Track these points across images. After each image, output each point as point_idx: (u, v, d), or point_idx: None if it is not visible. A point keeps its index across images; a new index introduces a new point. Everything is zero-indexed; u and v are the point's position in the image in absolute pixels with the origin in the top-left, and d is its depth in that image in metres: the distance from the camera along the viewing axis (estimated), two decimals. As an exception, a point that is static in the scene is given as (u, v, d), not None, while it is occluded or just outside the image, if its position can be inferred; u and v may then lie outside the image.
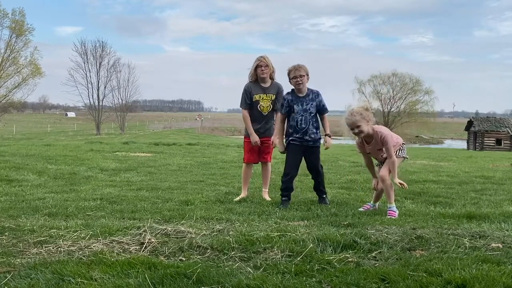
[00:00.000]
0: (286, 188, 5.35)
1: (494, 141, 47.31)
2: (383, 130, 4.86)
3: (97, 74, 58.40)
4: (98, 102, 58.76)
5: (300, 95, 5.34)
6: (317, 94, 5.40)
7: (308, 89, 5.38)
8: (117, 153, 13.47)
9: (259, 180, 7.75)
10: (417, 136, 69.80)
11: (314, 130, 5.41)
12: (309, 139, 5.38)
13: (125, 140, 24.39)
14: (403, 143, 5.07)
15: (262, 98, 5.67)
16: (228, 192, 6.32)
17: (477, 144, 47.63)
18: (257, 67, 5.59)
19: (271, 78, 5.71)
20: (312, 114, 5.37)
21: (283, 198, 5.35)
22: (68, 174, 8.25)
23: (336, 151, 17.41)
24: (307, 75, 5.31)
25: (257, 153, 5.85)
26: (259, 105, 5.69)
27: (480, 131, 47.75)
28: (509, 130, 47.24)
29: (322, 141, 5.54)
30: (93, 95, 58.55)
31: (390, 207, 4.83)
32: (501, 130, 47.41)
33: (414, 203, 5.61)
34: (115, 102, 60.66)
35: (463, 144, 55.34)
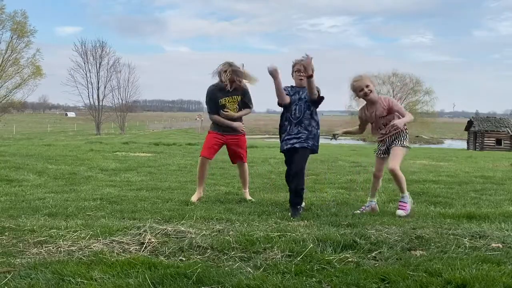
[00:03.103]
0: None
1: (494, 141, 47.28)
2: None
3: (97, 74, 58.46)
4: (98, 102, 58.81)
5: (298, 88, 5.07)
6: None
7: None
8: (117, 153, 13.48)
9: (258, 180, 7.76)
10: (417, 136, 69.72)
11: (308, 122, 4.97)
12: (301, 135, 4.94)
13: (125, 140, 24.40)
14: (406, 128, 4.83)
15: (228, 101, 5.57)
16: (228, 192, 6.32)
17: (477, 144, 47.61)
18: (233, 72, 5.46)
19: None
20: (308, 104, 4.97)
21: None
22: (68, 174, 8.25)
23: (336, 151, 17.42)
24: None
25: (216, 151, 5.72)
26: (225, 109, 5.56)
27: (480, 131, 47.73)
28: (509, 130, 47.22)
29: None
30: (93, 95, 58.63)
31: (402, 197, 4.79)
32: (501, 130, 47.38)
33: (414, 203, 5.61)
34: (115, 102, 60.74)
35: (463, 144, 55.31)
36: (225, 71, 5.44)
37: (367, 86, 4.68)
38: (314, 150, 5.02)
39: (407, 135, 4.80)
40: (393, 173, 4.70)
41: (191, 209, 4.89)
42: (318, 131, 5.10)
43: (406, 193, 4.82)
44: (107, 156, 12.16)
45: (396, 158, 4.70)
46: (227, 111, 5.55)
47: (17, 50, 44.55)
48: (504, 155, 21.25)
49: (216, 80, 5.60)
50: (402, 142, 4.75)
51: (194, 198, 5.59)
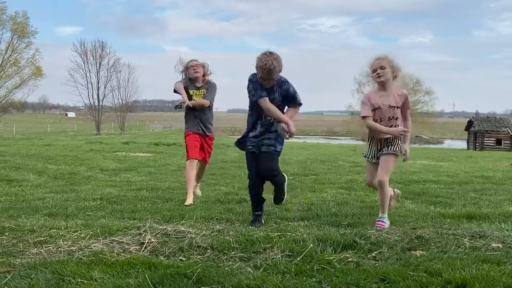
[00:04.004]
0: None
1: (494, 141, 47.28)
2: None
3: (97, 74, 58.36)
4: (98, 102, 58.76)
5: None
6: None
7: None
8: (117, 153, 13.48)
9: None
10: (417, 136, 69.72)
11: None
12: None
13: (125, 140, 24.38)
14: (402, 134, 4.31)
15: (195, 94, 5.85)
16: (228, 192, 6.31)
17: (477, 144, 47.61)
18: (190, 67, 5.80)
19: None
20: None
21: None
22: (68, 174, 8.25)
23: (336, 151, 17.42)
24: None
25: (199, 150, 5.81)
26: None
27: (480, 131, 47.73)
28: (509, 130, 47.21)
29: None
30: (93, 95, 58.53)
31: (381, 217, 4.21)
32: (501, 130, 47.38)
33: (414, 203, 5.61)
34: (115, 102, 60.69)
35: (463, 144, 55.30)
36: (192, 67, 5.77)
37: (381, 68, 4.15)
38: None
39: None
40: (381, 185, 4.18)
41: (191, 209, 4.90)
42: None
43: (386, 215, 4.24)
44: (107, 156, 12.16)
45: (387, 168, 4.19)
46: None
47: (17, 50, 44.55)
48: (504, 155, 21.26)
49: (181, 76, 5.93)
50: (396, 148, 4.21)
51: (187, 202, 5.37)
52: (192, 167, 5.66)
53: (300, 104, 4.48)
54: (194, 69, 5.76)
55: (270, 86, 4.26)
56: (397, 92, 4.24)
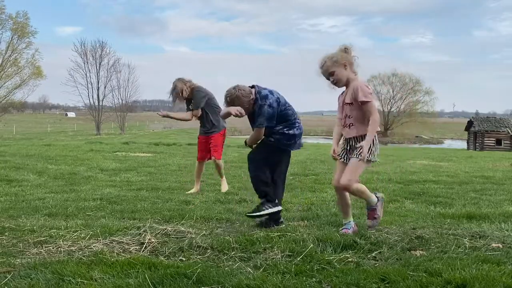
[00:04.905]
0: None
1: (494, 141, 47.27)
2: (362, 82, 3.78)
3: (97, 74, 58.33)
4: (98, 102, 58.75)
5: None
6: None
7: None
8: (117, 153, 13.48)
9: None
10: (417, 136, 69.82)
11: None
12: None
13: (125, 140, 24.39)
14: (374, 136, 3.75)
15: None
16: (228, 192, 6.32)
17: (477, 144, 47.60)
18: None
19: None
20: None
21: None
22: (68, 174, 8.25)
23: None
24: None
25: (204, 152, 6.53)
26: None
27: (480, 131, 47.73)
28: (509, 130, 47.21)
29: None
30: (93, 95, 58.50)
31: (345, 225, 3.89)
32: (501, 130, 47.39)
33: (414, 203, 5.61)
34: (115, 102, 60.67)
35: (463, 144, 55.30)
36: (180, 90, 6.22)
37: (331, 74, 3.74)
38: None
39: (377, 145, 3.76)
40: (340, 189, 3.81)
41: (191, 209, 4.89)
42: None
43: (350, 219, 3.92)
44: (107, 156, 12.16)
45: (350, 172, 3.71)
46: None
47: (17, 50, 44.55)
48: (504, 155, 21.25)
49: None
50: (360, 153, 3.68)
51: (191, 191, 6.38)
52: (198, 167, 6.59)
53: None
54: (179, 94, 6.21)
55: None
56: (353, 87, 3.72)
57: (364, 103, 3.65)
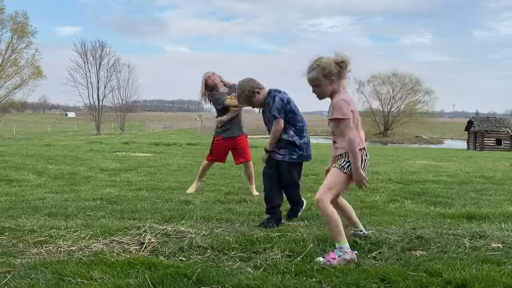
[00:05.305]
0: None
1: (494, 141, 47.27)
2: (343, 98, 3.27)
3: (97, 74, 58.36)
4: (98, 102, 58.76)
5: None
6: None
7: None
8: (117, 153, 13.47)
9: (259, 179, 7.75)
10: (417, 136, 69.83)
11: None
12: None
13: (125, 140, 24.38)
14: (363, 148, 3.33)
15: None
16: (228, 192, 6.31)
17: (477, 144, 47.60)
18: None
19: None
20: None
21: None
22: (68, 174, 8.25)
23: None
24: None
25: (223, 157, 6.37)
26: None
27: (480, 131, 47.73)
28: (509, 130, 47.21)
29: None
30: (93, 95, 58.52)
31: (338, 248, 3.16)
32: (501, 130, 47.39)
33: (414, 203, 5.61)
34: (115, 102, 60.69)
35: (463, 144, 55.28)
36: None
37: (315, 85, 3.33)
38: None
39: (365, 161, 3.34)
40: (318, 205, 3.29)
41: (191, 209, 4.90)
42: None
43: (344, 244, 3.16)
44: (107, 156, 12.15)
45: (326, 185, 3.30)
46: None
47: (17, 50, 44.56)
48: (504, 155, 21.24)
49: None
50: (343, 164, 3.29)
51: (190, 190, 6.25)
52: (206, 166, 6.48)
53: None
54: (211, 79, 6.09)
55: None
56: (333, 101, 3.31)
57: (336, 120, 3.25)
